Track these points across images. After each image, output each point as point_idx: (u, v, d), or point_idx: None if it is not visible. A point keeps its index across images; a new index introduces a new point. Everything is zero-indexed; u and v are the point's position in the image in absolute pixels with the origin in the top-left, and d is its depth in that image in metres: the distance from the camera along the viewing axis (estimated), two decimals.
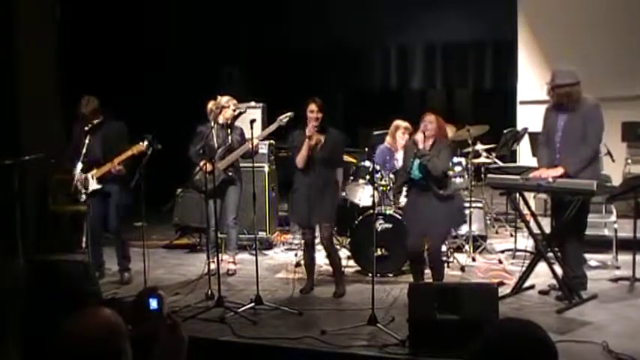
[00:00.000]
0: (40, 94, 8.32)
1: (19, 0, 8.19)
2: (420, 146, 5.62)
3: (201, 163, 6.37)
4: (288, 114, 6.32)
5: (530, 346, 1.86)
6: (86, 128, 6.37)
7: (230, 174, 6.61)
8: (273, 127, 6.51)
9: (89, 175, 6.45)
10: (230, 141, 6.53)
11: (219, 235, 6.55)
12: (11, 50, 8.05)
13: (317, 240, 6.24)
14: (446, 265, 6.81)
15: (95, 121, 6.41)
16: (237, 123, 6.73)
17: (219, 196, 6.48)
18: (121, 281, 6.58)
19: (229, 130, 6.54)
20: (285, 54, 12.05)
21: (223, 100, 6.60)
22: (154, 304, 2.30)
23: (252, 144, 6.01)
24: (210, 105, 6.64)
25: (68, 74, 8.68)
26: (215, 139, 6.56)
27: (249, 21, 12.25)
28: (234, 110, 6.62)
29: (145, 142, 6.18)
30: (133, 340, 2.09)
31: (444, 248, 7.06)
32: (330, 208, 5.97)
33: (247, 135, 6.45)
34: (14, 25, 8.11)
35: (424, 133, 5.65)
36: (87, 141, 6.37)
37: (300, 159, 5.94)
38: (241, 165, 6.83)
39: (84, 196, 6.51)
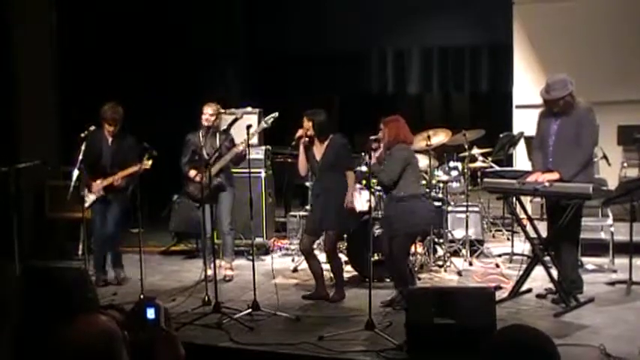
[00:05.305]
0: (38, 98, 8.32)
1: (17, 2, 8.19)
2: (372, 161, 5.67)
3: (190, 173, 6.50)
4: (273, 115, 6.35)
5: (535, 354, 1.85)
6: (82, 135, 6.37)
7: (220, 180, 6.60)
8: (258, 129, 6.59)
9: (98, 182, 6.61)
10: (218, 147, 6.53)
11: (215, 241, 6.55)
12: (9, 53, 8.05)
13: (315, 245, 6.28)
14: (443, 269, 6.85)
15: (91, 128, 6.42)
16: (233, 129, 6.71)
17: (212, 202, 6.47)
18: (117, 279, 6.71)
19: (217, 136, 6.57)
20: (283, 58, 12.06)
21: (205, 106, 6.65)
22: (151, 313, 2.29)
23: (247, 148, 6.05)
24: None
25: (67, 77, 8.69)
26: (204, 146, 6.58)
27: (248, 23, 12.27)
28: (215, 115, 6.63)
29: (151, 161, 6.29)
30: (130, 348, 2.09)
31: (440, 252, 7.09)
32: (333, 214, 5.91)
33: (237, 141, 6.58)
34: (12, 28, 8.10)
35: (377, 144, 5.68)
36: (83, 147, 6.37)
37: (298, 166, 6.10)
38: (239, 170, 6.85)
39: (88, 203, 6.62)
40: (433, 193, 7.13)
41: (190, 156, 6.63)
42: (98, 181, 6.60)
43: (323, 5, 11.79)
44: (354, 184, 6.03)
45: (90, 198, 6.62)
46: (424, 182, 6.85)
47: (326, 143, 5.96)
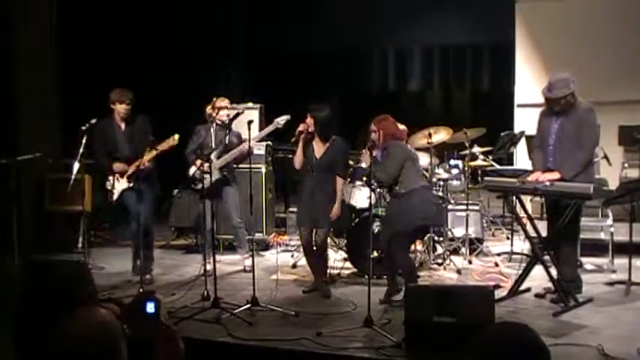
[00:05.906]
0: (38, 94, 8.31)
1: (17, 2, 8.18)
2: (364, 165, 5.73)
3: (197, 162, 6.48)
4: (285, 117, 6.36)
5: (524, 350, 1.86)
6: (83, 128, 6.36)
7: (225, 174, 6.62)
8: (269, 129, 6.56)
9: (117, 175, 6.49)
10: (227, 141, 6.54)
11: (225, 236, 6.55)
12: (9, 50, 8.04)
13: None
14: (442, 267, 6.85)
15: (92, 121, 6.38)
16: (234, 124, 6.72)
17: (214, 196, 6.48)
18: (142, 281, 6.31)
19: (227, 131, 6.57)
20: (284, 56, 12.06)
21: (219, 101, 6.64)
22: (150, 308, 2.29)
23: (249, 144, 6.05)
24: (208, 108, 6.68)
25: (67, 74, 8.68)
26: (213, 140, 6.57)
27: (248, 23, 12.26)
28: (229, 109, 6.64)
29: (177, 136, 6.17)
30: (130, 341, 2.09)
31: (440, 250, 7.09)
32: (325, 213, 5.92)
33: (244, 137, 6.53)
34: (12, 25, 8.09)
35: (373, 145, 5.70)
36: (84, 140, 6.34)
37: (295, 159, 6.09)
38: (239, 166, 6.86)
39: (115, 195, 6.50)
40: (433, 191, 7.13)
41: (197, 147, 6.63)
42: (124, 167, 6.45)
43: (323, 5, 11.79)
44: (341, 192, 6.01)
45: (117, 189, 6.48)
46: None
47: (327, 144, 5.96)
